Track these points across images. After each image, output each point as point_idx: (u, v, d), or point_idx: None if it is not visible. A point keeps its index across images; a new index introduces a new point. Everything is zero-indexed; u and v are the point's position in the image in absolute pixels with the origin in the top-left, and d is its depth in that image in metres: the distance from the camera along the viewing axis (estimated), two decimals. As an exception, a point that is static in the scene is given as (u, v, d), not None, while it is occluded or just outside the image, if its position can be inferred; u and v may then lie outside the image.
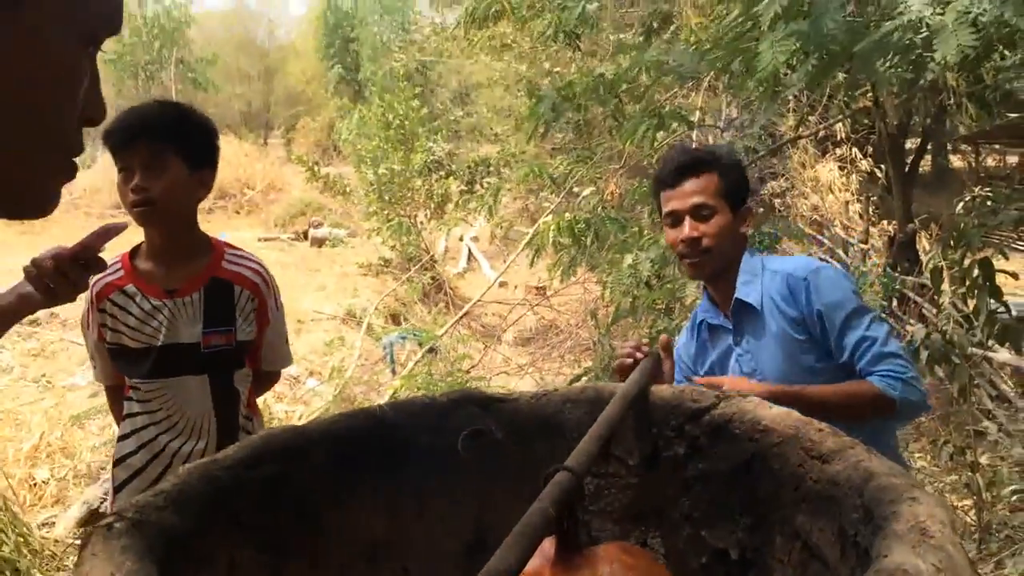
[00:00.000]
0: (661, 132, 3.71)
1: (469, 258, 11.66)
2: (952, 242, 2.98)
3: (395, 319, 8.00)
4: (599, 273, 5.36)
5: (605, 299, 5.28)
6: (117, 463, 1.68)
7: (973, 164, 11.31)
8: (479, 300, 7.85)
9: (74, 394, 5.26)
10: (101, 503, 3.47)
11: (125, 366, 1.66)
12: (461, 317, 7.36)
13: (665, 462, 1.10)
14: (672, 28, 5.19)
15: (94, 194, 13.28)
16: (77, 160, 0.52)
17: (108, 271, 1.52)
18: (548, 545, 0.88)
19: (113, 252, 1.40)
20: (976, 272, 2.64)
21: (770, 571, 0.98)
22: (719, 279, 1.67)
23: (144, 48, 20.76)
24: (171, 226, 1.62)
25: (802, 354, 1.57)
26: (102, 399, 5.02)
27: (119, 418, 1.71)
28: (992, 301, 2.65)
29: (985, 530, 2.82)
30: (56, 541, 3.20)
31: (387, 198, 9.65)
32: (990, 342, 3.17)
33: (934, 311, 4.77)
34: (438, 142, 11.57)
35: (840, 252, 7.08)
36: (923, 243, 6.30)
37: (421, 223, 9.89)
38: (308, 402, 5.46)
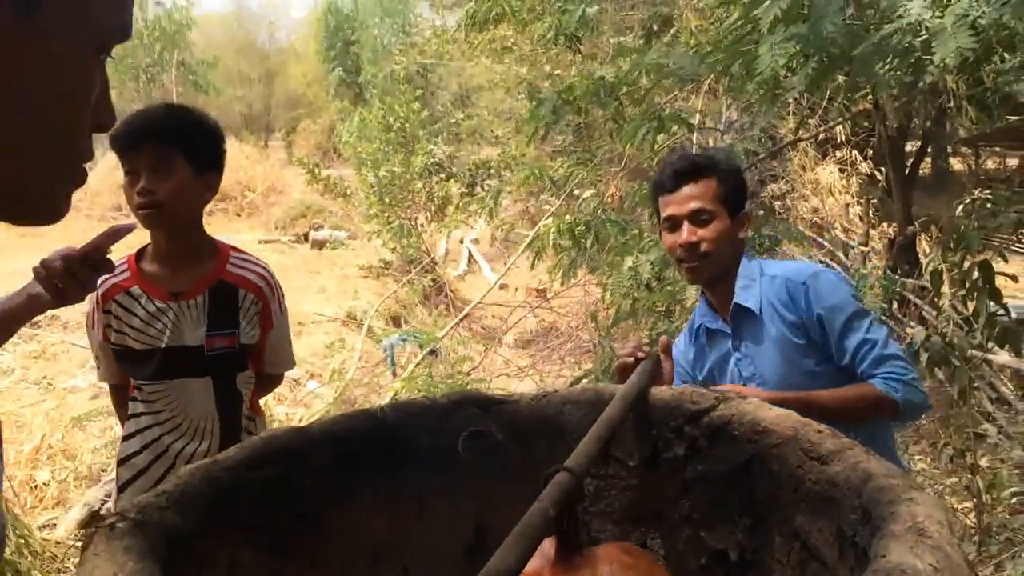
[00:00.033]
0: (661, 135, 3.72)
1: (469, 260, 11.66)
2: (952, 245, 2.98)
3: (396, 321, 8.00)
4: (599, 275, 5.37)
5: (605, 301, 5.28)
6: (121, 462, 1.69)
7: (973, 167, 11.32)
8: (479, 302, 7.85)
9: (75, 396, 5.27)
10: (102, 505, 3.47)
11: (129, 367, 1.67)
12: (461, 319, 7.36)
13: (665, 463, 1.11)
14: (672, 31, 5.20)
15: (95, 196, 13.29)
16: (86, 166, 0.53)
17: (114, 272, 1.53)
18: (548, 545, 0.88)
19: (119, 253, 1.41)
20: (976, 274, 2.64)
21: (769, 572, 0.98)
22: (717, 284, 1.67)
23: (145, 51, 20.78)
24: (177, 229, 1.63)
25: (801, 358, 1.58)
26: (103, 401, 5.03)
27: (123, 417, 1.73)
28: (992, 303, 2.65)
29: (985, 532, 2.82)
30: (57, 543, 3.21)
31: (388, 200, 9.65)
32: (990, 344, 3.18)
33: (934, 313, 4.77)
34: (439, 144, 11.59)
35: (840, 255, 7.08)
36: (923, 246, 6.29)
37: (422, 225, 9.89)
38: (309, 404, 5.46)
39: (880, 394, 1.50)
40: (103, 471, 4.06)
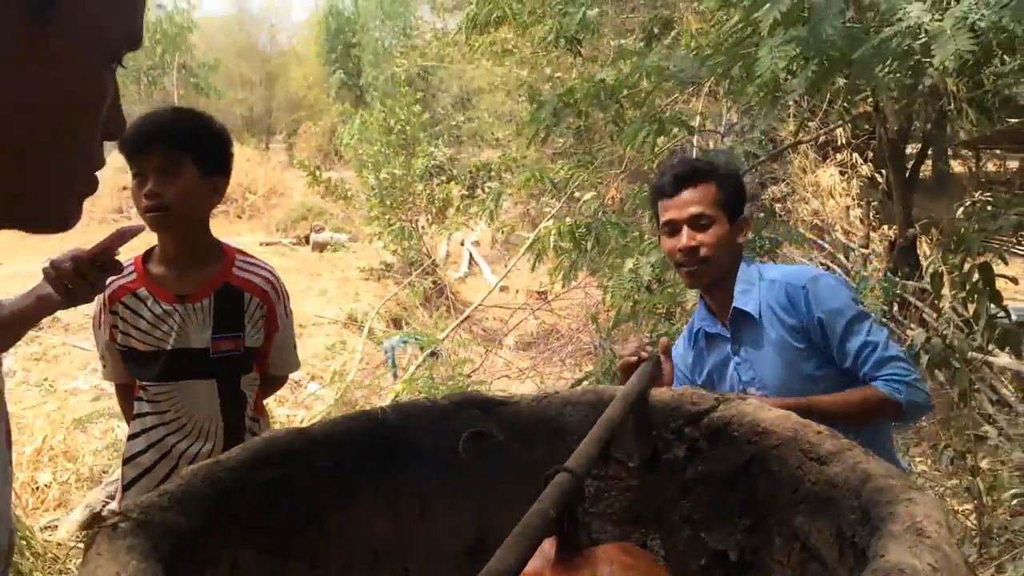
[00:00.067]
0: (661, 137, 3.72)
1: (470, 263, 11.66)
2: (952, 247, 2.99)
3: (396, 323, 8.00)
4: (600, 277, 5.37)
5: (606, 303, 5.28)
6: (126, 461, 1.70)
7: (973, 169, 11.32)
8: (480, 304, 7.86)
9: (76, 398, 5.28)
10: (103, 506, 3.48)
11: (135, 368, 1.69)
12: (462, 321, 7.37)
13: (665, 464, 1.11)
14: (673, 34, 5.20)
15: (95, 199, 13.29)
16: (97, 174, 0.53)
17: (121, 274, 1.55)
18: (548, 546, 0.89)
19: (126, 255, 1.42)
20: (976, 277, 2.65)
21: (769, 572, 0.98)
22: (716, 288, 1.68)
23: (146, 53, 20.78)
24: (184, 232, 1.64)
25: (801, 362, 1.59)
26: (104, 403, 5.03)
27: (128, 416, 1.74)
28: (992, 306, 2.66)
29: (986, 534, 2.82)
30: (59, 544, 3.21)
31: (388, 203, 9.66)
32: (990, 347, 3.18)
33: (935, 316, 4.77)
34: (439, 147, 11.60)
35: (841, 257, 7.08)
36: (924, 248, 6.30)
37: (422, 228, 9.90)
38: (310, 406, 5.47)
39: (883, 396, 1.51)
40: (104, 473, 4.07)
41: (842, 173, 7.32)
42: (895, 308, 5.41)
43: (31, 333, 6.21)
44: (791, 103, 5.39)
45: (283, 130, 28.13)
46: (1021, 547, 2.74)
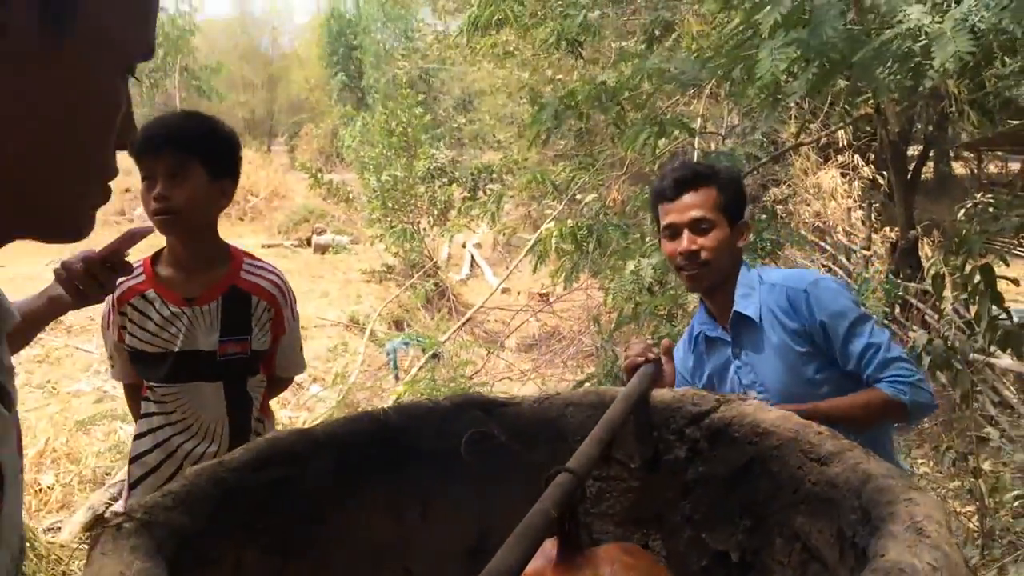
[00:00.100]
0: (662, 139, 3.72)
1: (472, 265, 11.67)
2: (954, 248, 2.98)
3: (398, 325, 8.01)
4: (601, 279, 5.37)
5: (608, 305, 5.28)
6: (132, 460, 1.72)
7: (975, 171, 11.32)
8: (482, 306, 7.86)
9: (79, 400, 5.29)
10: (106, 508, 3.49)
11: (143, 369, 1.70)
12: (464, 323, 7.37)
13: (666, 465, 1.11)
14: (674, 36, 5.21)
15: (99, 201, 13.31)
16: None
17: (131, 275, 1.56)
18: (550, 546, 0.89)
19: (134, 256, 1.44)
20: (978, 278, 2.64)
21: (770, 573, 0.99)
22: (717, 292, 1.69)
23: (149, 56, 20.79)
24: (192, 235, 1.65)
25: (803, 365, 1.60)
26: (107, 405, 5.05)
27: (136, 415, 1.76)
28: (994, 307, 2.65)
29: (988, 536, 2.82)
30: (62, 546, 3.22)
31: (390, 205, 9.67)
32: (992, 348, 3.17)
33: (936, 317, 4.77)
34: (441, 149, 11.59)
35: (842, 259, 7.08)
36: (925, 250, 6.30)
37: (424, 230, 9.90)
38: (312, 408, 5.47)
39: (888, 398, 1.52)
40: (107, 474, 4.07)
41: (843, 175, 7.32)
42: (897, 310, 5.41)
43: (34, 335, 6.23)
44: (792, 105, 5.38)
45: (285, 132, 28.16)
46: (1023, 549, 2.74)
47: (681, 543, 1.10)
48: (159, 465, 1.68)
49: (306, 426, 1.28)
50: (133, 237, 1.31)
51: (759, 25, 2.36)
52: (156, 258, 1.71)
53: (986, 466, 3.29)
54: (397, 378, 6.13)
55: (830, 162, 7.40)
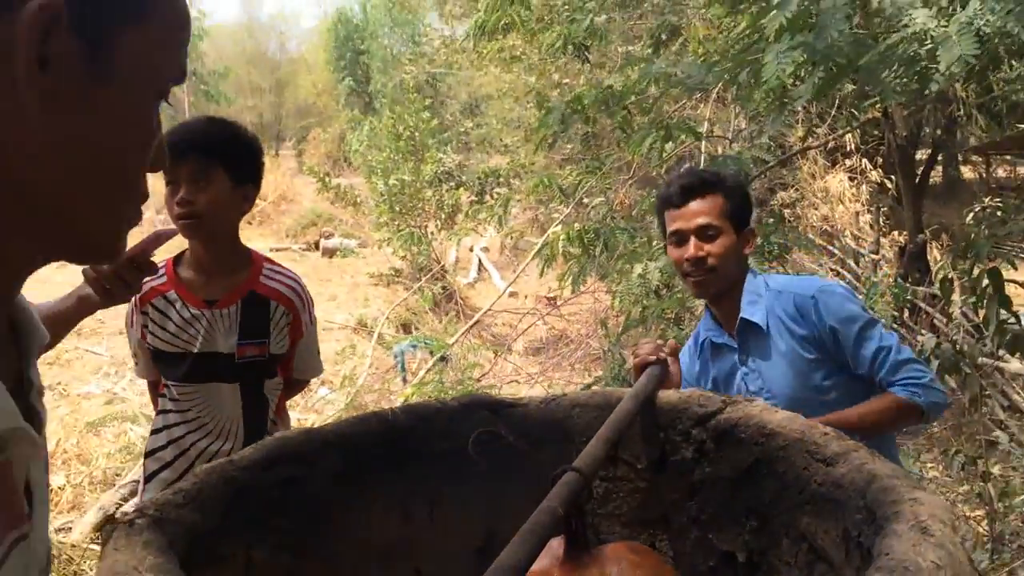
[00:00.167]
0: (669, 144, 3.73)
1: (479, 268, 11.68)
2: (962, 252, 2.98)
3: (406, 328, 8.02)
4: (609, 283, 5.37)
5: (615, 308, 5.28)
6: (148, 455, 1.75)
7: (983, 175, 11.27)
8: (489, 310, 7.87)
9: (89, 402, 5.32)
10: (117, 508, 3.51)
11: (163, 367, 1.73)
12: (471, 326, 7.38)
13: (672, 466, 1.12)
14: (680, 40, 5.22)
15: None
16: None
17: (155, 275, 1.59)
18: (557, 544, 0.90)
19: (157, 257, 1.47)
20: (986, 282, 2.64)
21: (777, 573, 0.99)
22: (723, 298, 1.70)
23: (158, 61, 20.93)
24: (214, 239, 1.68)
25: (811, 372, 1.60)
26: (117, 407, 5.08)
27: (159, 411, 1.79)
28: (1002, 311, 2.64)
29: (998, 540, 2.80)
30: (73, 546, 3.24)
31: (398, 209, 9.70)
32: (1001, 352, 3.16)
33: (945, 321, 4.75)
34: (448, 153, 11.63)
35: (851, 263, 7.06)
36: (934, 254, 6.27)
37: (431, 233, 9.92)
38: (320, 410, 5.49)
39: (903, 402, 1.54)
40: (117, 475, 4.10)
41: (851, 179, 7.30)
42: (905, 314, 5.39)
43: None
44: (799, 109, 5.38)
45: (292, 137, 28.29)
46: (1032, 553, 2.72)
47: (688, 544, 1.11)
48: (173, 460, 1.71)
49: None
50: (159, 238, 1.34)
51: (765, 29, 2.36)
52: (178, 260, 1.74)
53: (995, 470, 3.28)
54: (405, 381, 6.14)
55: (838, 166, 7.38)
